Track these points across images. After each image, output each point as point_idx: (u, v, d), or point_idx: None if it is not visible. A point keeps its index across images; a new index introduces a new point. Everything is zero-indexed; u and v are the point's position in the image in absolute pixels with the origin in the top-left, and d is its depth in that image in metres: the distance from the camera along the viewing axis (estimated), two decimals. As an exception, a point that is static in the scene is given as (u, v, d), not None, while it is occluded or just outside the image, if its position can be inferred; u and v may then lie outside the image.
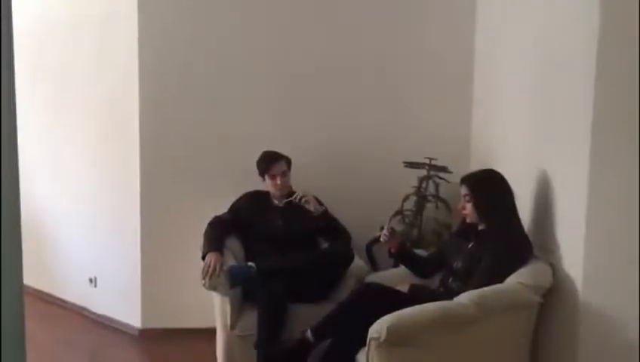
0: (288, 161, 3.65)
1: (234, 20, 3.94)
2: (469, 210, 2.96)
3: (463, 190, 2.97)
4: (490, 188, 2.96)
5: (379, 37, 4.01)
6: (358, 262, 3.56)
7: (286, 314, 3.21)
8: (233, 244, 3.58)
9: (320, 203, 3.61)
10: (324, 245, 3.64)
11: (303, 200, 3.51)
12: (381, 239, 3.23)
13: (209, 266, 3.26)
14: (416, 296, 2.85)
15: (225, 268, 3.26)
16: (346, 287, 3.31)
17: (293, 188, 3.66)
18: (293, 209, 3.57)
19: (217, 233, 3.49)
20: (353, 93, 4.04)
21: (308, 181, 3.77)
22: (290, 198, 3.56)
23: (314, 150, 3.98)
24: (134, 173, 3.99)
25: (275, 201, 3.68)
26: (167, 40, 3.93)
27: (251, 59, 3.96)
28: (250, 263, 3.33)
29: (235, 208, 3.67)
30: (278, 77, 3.99)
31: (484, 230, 2.95)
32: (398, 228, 3.59)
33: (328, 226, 3.59)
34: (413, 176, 3.86)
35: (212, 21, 3.93)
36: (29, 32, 4.33)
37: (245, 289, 3.31)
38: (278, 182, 3.60)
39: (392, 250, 3.27)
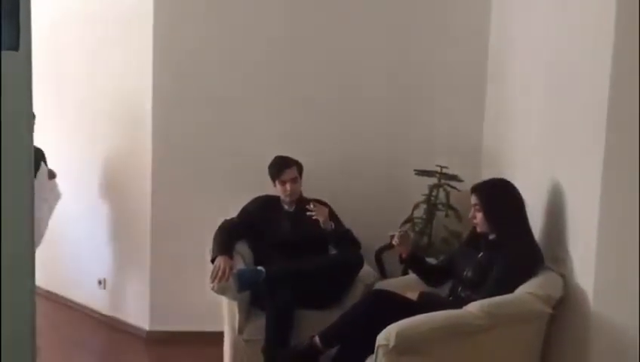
0: (300, 167, 3.65)
1: (248, 22, 3.95)
2: (479, 219, 2.95)
3: (473, 199, 2.96)
4: (500, 197, 2.95)
5: (391, 44, 4.01)
6: (367, 269, 3.54)
7: (294, 319, 3.20)
8: (242, 249, 3.58)
9: (335, 215, 3.63)
10: (334, 251, 3.64)
11: (314, 216, 3.51)
12: (393, 242, 3.22)
13: (218, 269, 3.26)
14: (425, 304, 2.84)
15: (234, 271, 3.26)
16: (355, 294, 3.30)
17: (304, 193, 3.67)
18: (304, 214, 3.57)
19: (227, 237, 3.49)
20: (365, 100, 4.04)
21: (319, 187, 3.77)
22: (306, 206, 3.55)
23: (325, 156, 3.98)
24: (146, 175, 4.00)
25: (286, 206, 3.68)
26: (181, 42, 3.95)
27: (266, 64, 3.97)
28: (259, 267, 3.32)
29: (245, 212, 3.68)
30: (292, 82, 4.00)
31: (495, 240, 2.93)
32: (410, 235, 3.57)
33: (338, 235, 3.58)
34: (424, 184, 3.85)
35: (227, 23, 3.95)
36: (47, 34, 4.37)
37: (254, 293, 3.31)
38: (288, 188, 3.60)
39: (403, 256, 3.25)
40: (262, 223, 3.62)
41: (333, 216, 3.68)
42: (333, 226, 3.55)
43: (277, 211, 3.67)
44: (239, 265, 3.37)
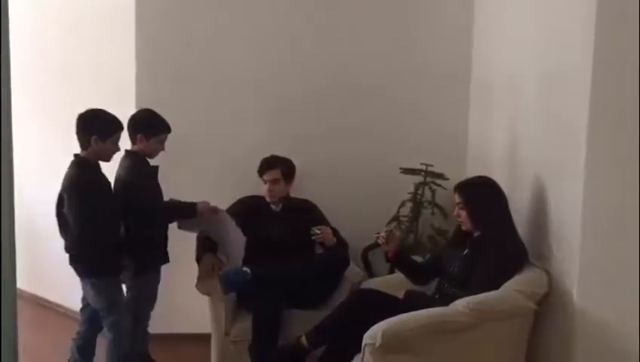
0: (287, 169, 3.65)
1: (235, 22, 3.95)
2: (463, 217, 2.96)
3: (457, 198, 2.98)
4: (483, 195, 2.97)
5: (377, 45, 4.02)
6: (354, 269, 3.55)
7: (281, 319, 3.20)
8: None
9: (322, 216, 3.67)
10: (320, 250, 3.64)
11: (319, 240, 3.54)
12: (379, 241, 3.22)
13: (210, 266, 3.27)
14: (411, 302, 2.85)
15: (219, 273, 3.25)
16: (342, 294, 3.31)
17: (293, 193, 3.67)
18: (290, 214, 3.57)
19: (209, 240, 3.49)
20: (351, 99, 4.04)
21: (305, 187, 3.77)
22: (311, 231, 3.54)
23: (312, 155, 3.97)
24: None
25: (273, 206, 3.67)
26: (166, 41, 3.93)
27: (252, 64, 3.97)
28: (244, 268, 3.31)
29: (230, 214, 3.67)
30: (278, 83, 3.99)
31: (479, 237, 2.95)
32: (397, 234, 3.58)
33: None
34: (410, 182, 3.86)
35: (213, 22, 3.94)
36: (27, 32, 4.33)
37: (240, 294, 3.30)
38: (267, 188, 3.62)
39: (390, 255, 3.26)
40: (247, 224, 3.61)
41: (320, 216, 3.69)
42: (335, 241, 3.57)
43: (263, 211, 3.67)
44: (225, 266, 3.36)
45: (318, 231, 3.53)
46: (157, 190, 3.36)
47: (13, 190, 1.40)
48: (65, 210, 3.04)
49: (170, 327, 3.99)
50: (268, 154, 3.71)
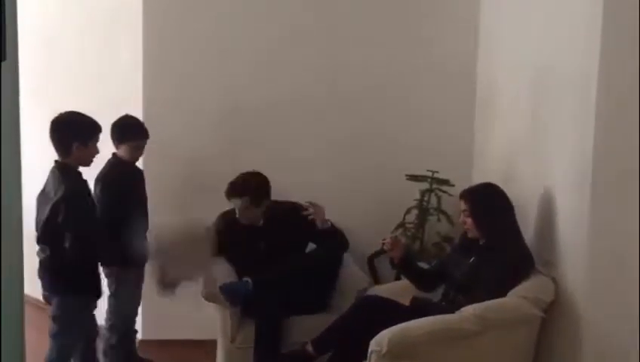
0: (254, 195, 3.37)
1: (243, 22, 3.95)
2: (469, 224, 2.96)
3: (463, 205, 2.97)
4: (489, 202, 2.96)
5: (382, 50, 4.02)
6: (360, 275, 3.55)
7: (283, 326, 3.20)
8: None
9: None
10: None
11: (310, 217, 3.43)
12: (384, 247, 3.22)
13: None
14: (417, 309, 2.85)
15: (219, 285, 3.21)
16: (348, 300, 3.30)
17: (278, 197, 3.59)
18: (276, 225, 3.46)
19: None
20: (356, 105, 4.04)
21: (310, 193, 3.76)
22: (303, 206, 3.47)
23: (317, 162, 3.97)
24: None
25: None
26: (173, 41, 3.94)
27: (257, 70, 3.97)
28: (245, 278, 3.29)
29: (214, 231, 3.49)
30: (282, 89, 3.98)
31: (485, 244, 2.94)
32: (402, 240, 3.57)
33: (327, 232, 3.49)
34: (416, 189, 3.86)
35: (219, 25, 3.94)
36: (36, 34, 4.35)
37: (243, 302, 3.29)
38: (239, 213, 3.40)
39: (396, 261, 3.25)
40: (231, 244, 3.44)
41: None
42: (330, 224, 3.48)
43: (245, 230, 3.47)
44: (227, 276, 3.35)
45: (310, 208, 3.41)
46: (135, 193, 3.40)
47: (21, 195, 1.41)
48: (60, 220, 2.83)
49: (177, 333, 3.99)
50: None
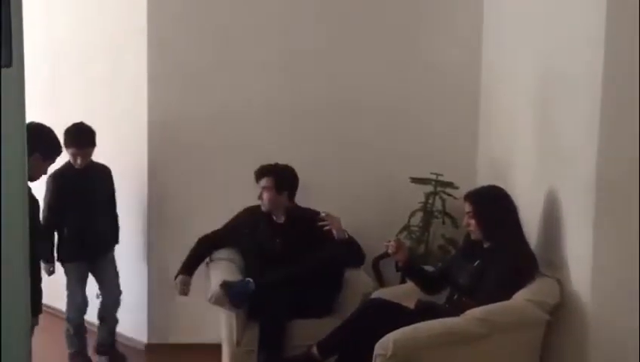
0: (279, 178, 3.51)
1: (248, 29, 3.97)
2: (473, 226, 2.96)
3: (467, 207, 2.97)
4: (493, 205, 2.96)
5: (387, 55, 4.02)
6: (365, 279, 3.55)
7: (287, 329, 3.20)
8: (234, 257, 3.58)
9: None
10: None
11: (326, 228, 3.45)
12: (388, 251, 3.22)
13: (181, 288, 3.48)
14: (422, 312, 2.84)
15: (220, 284, 3.21)
16: (352, 303, 3.30)
17: (301, 203, 3.65)
18: (294, 224, 3.53)
19: (197, 253, 3.57)
20: (361, 109, 4.04)
21: (315, 197, 3.77)
22: (319, 217, 3.49)
23: (322, 165, 3.97)
24: (142, 188, 4.00)
25: (274, 217, 3.60)
26: (178, 46, 3.95)
27: (262, 75, 3.98)
28: (247, 279, 3.29)
29: (234, 223, 3.63)
30: (289, 93, 4.00)
31: (490, 247, 2.94)
32: (406, 243, 3.57)
33: (344, 243, 3.49)
34: (420, 191, 3.86)
35: (222, 34, 3.96)
36: (42, 54, 4.38)
37: (249, 304, 3.29)
38: (262, 196, 3.54)
39: (400, 264, 3.25)
40: (249, 235, 3.55)
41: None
42: (347, 235, 3.49)
43: (266, 223, 3.59)
44: (231, 275, 3.36)
45: (326, 218, 3.44)
46: (77, 194, 3.63)
47: (27, 202, 1.42)
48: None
49: (183, 337, 4.00)
50: (279, 162, 3.68)
